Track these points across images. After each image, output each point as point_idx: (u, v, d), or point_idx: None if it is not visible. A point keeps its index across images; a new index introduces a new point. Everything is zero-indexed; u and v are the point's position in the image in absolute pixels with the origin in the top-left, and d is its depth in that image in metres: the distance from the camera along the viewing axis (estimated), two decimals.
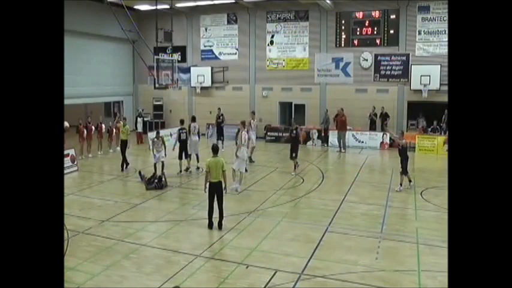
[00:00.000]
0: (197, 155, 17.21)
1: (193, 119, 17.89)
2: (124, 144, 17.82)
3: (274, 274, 8.09)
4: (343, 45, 24.77)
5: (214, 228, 10.56)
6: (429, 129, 22.67)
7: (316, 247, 9.45)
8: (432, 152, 21.35)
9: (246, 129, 15.77)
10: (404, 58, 23.44)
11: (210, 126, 25.92)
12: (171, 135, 23.12)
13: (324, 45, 25.15)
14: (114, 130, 20.95)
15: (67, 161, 16.87)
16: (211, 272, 8.35)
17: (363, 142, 23.22)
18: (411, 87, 23.03)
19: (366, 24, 24.22)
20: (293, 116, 21.37)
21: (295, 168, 16.82)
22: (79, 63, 24.32)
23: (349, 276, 8.04)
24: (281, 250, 9.30)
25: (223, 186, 10.68)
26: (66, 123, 15.40)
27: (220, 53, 27.97)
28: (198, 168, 16.98)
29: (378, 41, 24.00)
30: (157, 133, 16.47)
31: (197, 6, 27.10)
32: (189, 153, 16.96)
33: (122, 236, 10.12)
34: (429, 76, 22.24)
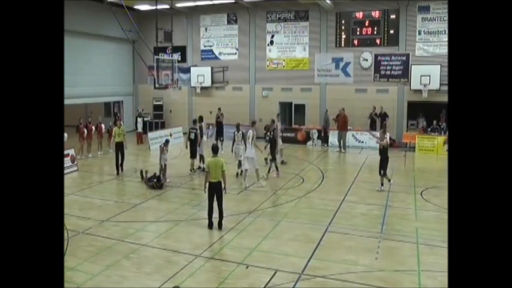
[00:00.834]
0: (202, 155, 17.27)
1: (201, 119, 18.05)
2: (120, 147, 17.12)
3: (274, 274, 8.10)
4: (343, 45, 24.77)
5: (214, 228, 10.56)
6: (429, 129, 22.69)
7: (316, 247, 9.45)
8: (432, 152, 21.35)
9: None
10: (404, 58, 23.43)
11: (210, 126, 25.93)
12: (171, 135, 23.17)
13: (324, 45, 25.15)
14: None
15: (67, 161, 16.86)
16: (211, 272, 8.36)
17: (363, 142, 23.23)
18: (411, 87, 23.02)
19: (366, 24, 24.21)
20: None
21: (268, 171, 16.30)
22: (79, 63, 24.32)
23: (349, 276, 8.05)
24: (281, 250, 9.31)
25: (223, 186, 10.67)
26: (65, 135, 15.43)
27: (220, 53, 27.97)
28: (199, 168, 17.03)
29: (377, 41, 24.00)
30: (167, 141, 16.02)
31: (197, 6, 27.10)
32: (199, 153, 17.09)
33: (122, 236, 10.12)
34: (429, 76, 22.22)
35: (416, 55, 23.20)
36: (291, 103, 26.37)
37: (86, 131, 20.01)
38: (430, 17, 22.86)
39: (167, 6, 24.89)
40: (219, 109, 23.45)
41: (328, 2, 23.58)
